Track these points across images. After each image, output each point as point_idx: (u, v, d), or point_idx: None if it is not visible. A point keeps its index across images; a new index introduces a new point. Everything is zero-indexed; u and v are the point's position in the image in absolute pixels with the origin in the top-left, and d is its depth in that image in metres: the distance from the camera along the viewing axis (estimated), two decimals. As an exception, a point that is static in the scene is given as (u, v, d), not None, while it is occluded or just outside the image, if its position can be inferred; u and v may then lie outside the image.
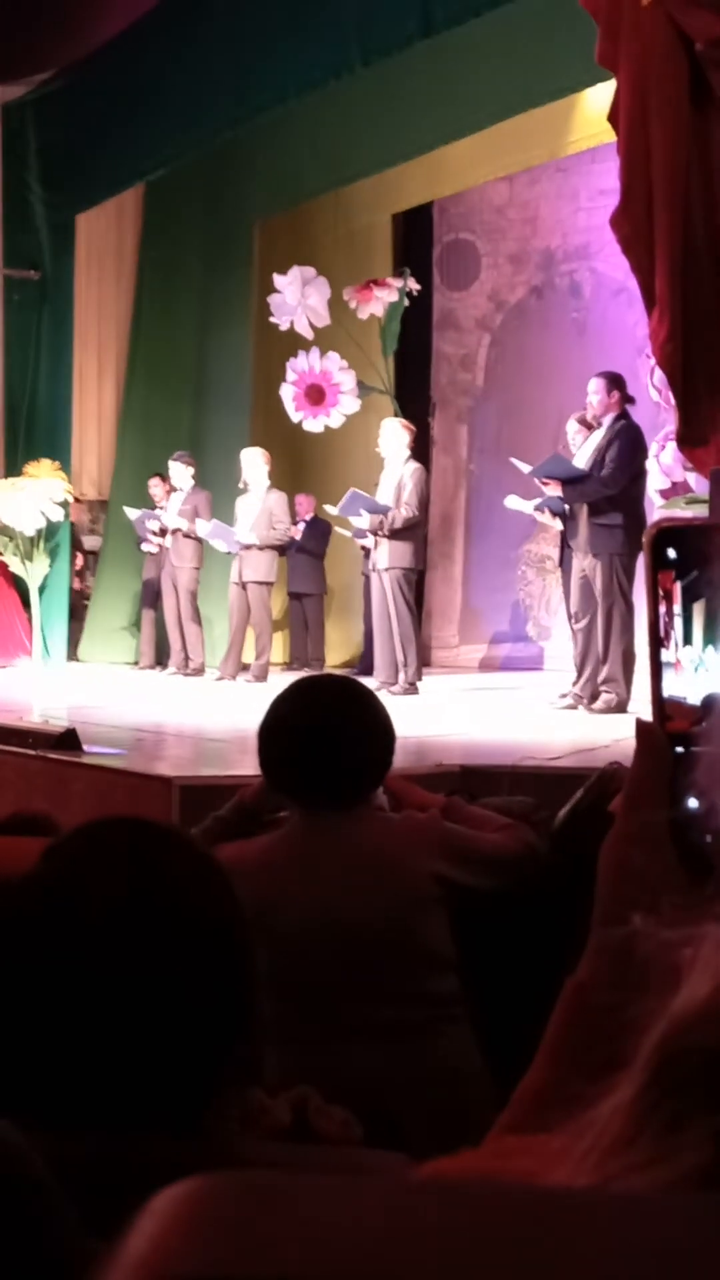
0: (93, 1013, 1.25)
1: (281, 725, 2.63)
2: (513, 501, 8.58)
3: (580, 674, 7.68)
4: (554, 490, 7.71)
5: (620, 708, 7.22)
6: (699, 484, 7.01)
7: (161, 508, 11.18)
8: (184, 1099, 1.26)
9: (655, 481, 7.82)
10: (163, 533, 10.95)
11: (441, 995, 2.55)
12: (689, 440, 5.74)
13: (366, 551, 10.05)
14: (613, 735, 5.55)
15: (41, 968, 1.27)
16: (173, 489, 11.09)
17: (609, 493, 7.48)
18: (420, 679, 8.93)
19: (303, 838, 2.59)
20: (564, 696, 7.75)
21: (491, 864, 2.66)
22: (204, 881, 1.35)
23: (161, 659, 11.41)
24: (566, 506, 7.71)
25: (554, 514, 8.13)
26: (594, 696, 7.50)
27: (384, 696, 8.35)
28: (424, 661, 9.87)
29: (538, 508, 8.25)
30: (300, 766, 2.60)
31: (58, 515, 11.12)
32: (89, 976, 1.26)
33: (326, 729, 2.59)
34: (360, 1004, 2.46)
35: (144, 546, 11.42)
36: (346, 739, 2.58)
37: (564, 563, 7.84)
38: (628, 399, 7.80)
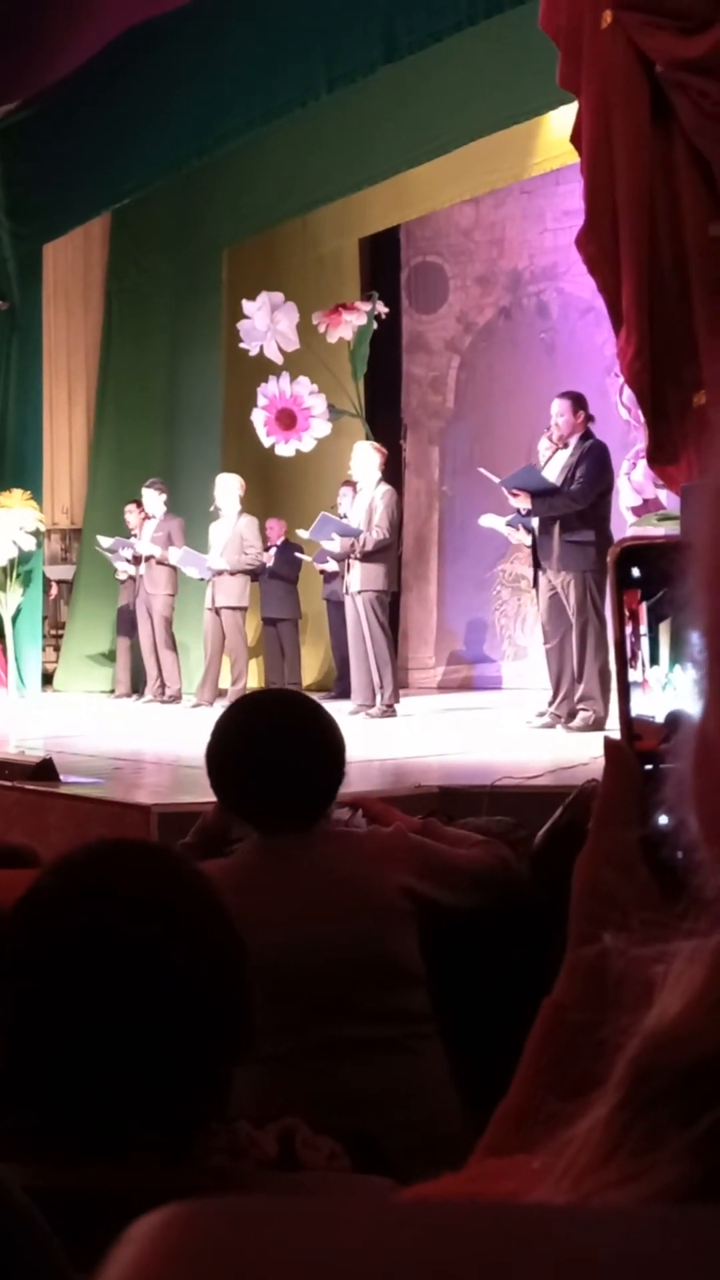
0: (86, 1041, 1.24)
1: (225, 746, 2.54)
2: (487, 520, 8.60)
3: (556, 693, 7.68)
4: (523, 502, 7.72)
5: (598, 725, 7.23)
6: (670, 500, 7.04)
7: (136, 535, 11.18)
8: (177, 1126, 1.25)
9: (627, 499, 7.85)
10: (137, 560, 10.95)
11: (412, 1012, 2.49)
12: (659, 458, 5.75)
13: (327, 576, 10.07)
14: (591, 753, 5.43)
15: (33, 995, 1.26)
16: (147, 516, 11.10)
17: (577, 507, 7.50)
18: (398, 701, 8.93)
19: (260, 859, 2.52)
20: (541, 715, 7.75)
21: (463, 879, 2.61)
22: (196, 903, 1.35)
23: (138, 687, 11.40)
24: (536, 522, 7.71)
25: (526, 530, 8.15)
26: (571, 715, 7.51)
27: (362, 719, 8.43)
28: (401, 683, 9.86)
29: (510, 524, 8.27)
30: (248, 789, 2.53)
31: (30, 544, 11.11)
32: (84, 1003, 1.25)
33: (271, 749, 2.50)
34: (330, 1022, 2.40)
35: (117, 574, 11.42)
36: (292, 758, 2.49)
37: (538, 582, 7.85)
38: (589, 417, 7.83)
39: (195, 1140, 1.28)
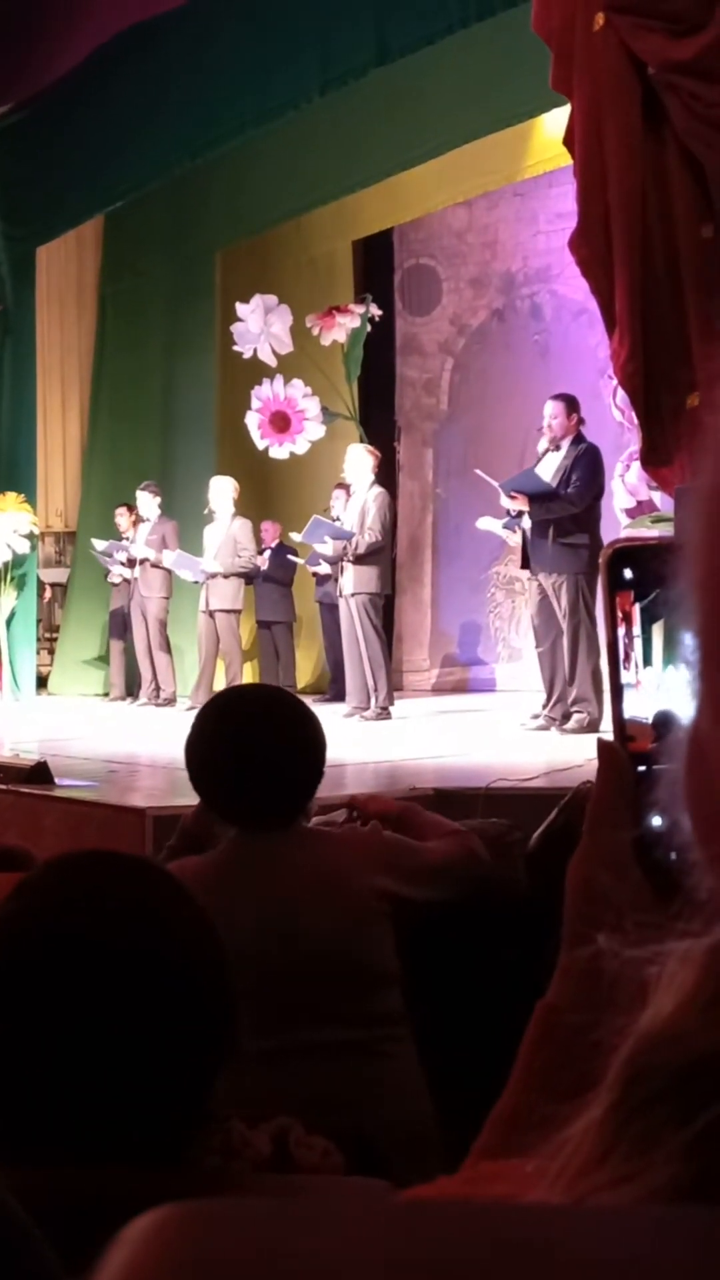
0: (70, 1046, 1.23)
1: (204, 742, 2.52)
2: (484, 522, 8.60)
3: (550, 695, 7.69)
4: (520, 505, 7.73)
5: (593, 727, 7.22)
6: (664, 502, 7.05)
7: (128, 538, 11.17)
8: (165, 1131, 1.25)
9: (621, 501, 7.86)
10: (131, 563, 10.94)
11: (385, 1014, 2.48)
12: (653, 460, 5.75)
13: (320, 579, 10.06)
14: (585, 755, 5.44)
15: (16, 1002, 1.26)
16: (140, 519, 11.08)
17: (574, 510, 7.50)
18: (392, 703, 8.92)
19: (237, 857, 2.50)
20: (536, 718, 7.75)
21: (433, 874, 2.59)
22: (179, 912, 1.34)
23: (132, 690, 11.38)
24: (527, 526, 7.71)
25: (520, 531, 8.14)
26: (565, 717, 7.51)
27: (357, 722, 8.43)
28: (396, 686, 9.85)
29: (507, 526, 8.27)
30: (224, 785, 2.51)
31: (24, 548, 11.09)
32: (66, 1010, 1.24)
33: (248, 745, 2.47)
34: (302, 1024, 2.39)
35: (111, 578, 11.41)
36: (270, 754, 2.46)
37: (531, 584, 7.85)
38: (582, 420, 7.84)
39: (187, 1142, 1.27)
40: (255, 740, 2.47)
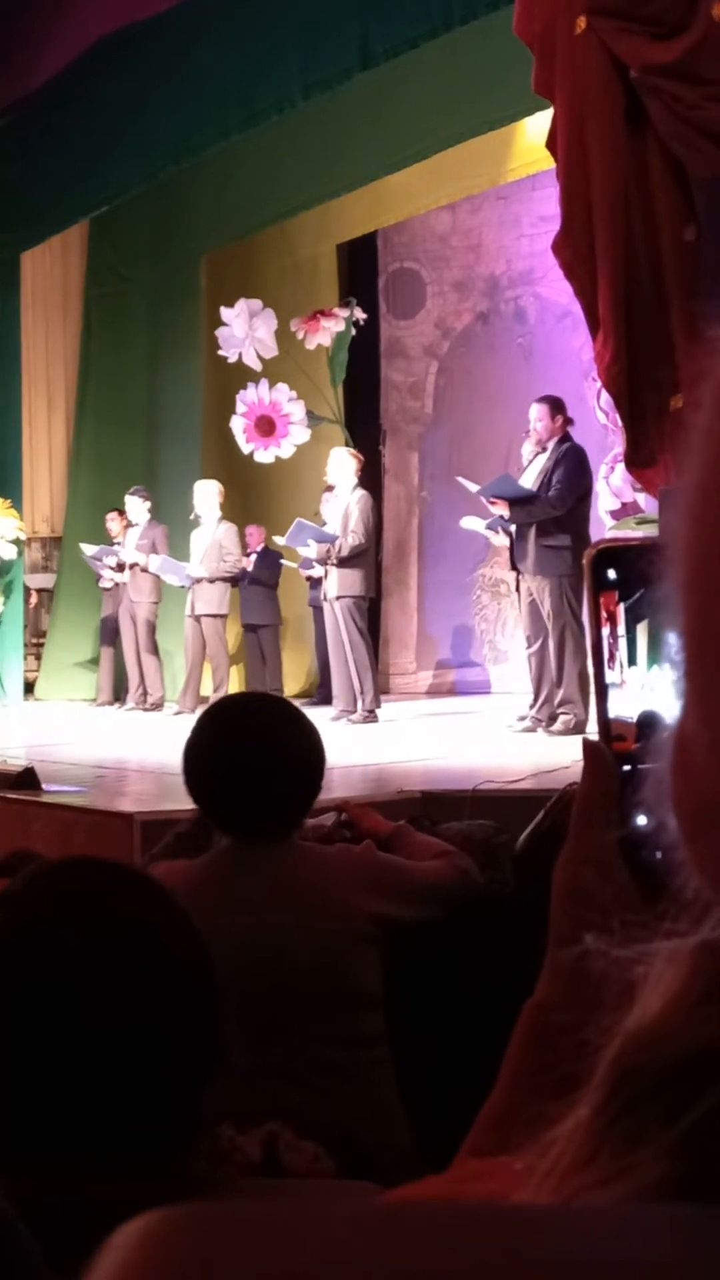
0: (55, 1056, 1.23)
1: (200, 749, 2.49)
2: (468, 521, 8.60)
3: (537, 697, 7.68)
4: (501, 510, 7.73)
5: (579, 728, 7.24)
6: (649, 504, 7.05)
7: (119, 543, 11.17)
8: (154, 1138, 1.25)
9: (605, 503, 7.86)
10: (120, 568, 10.93)
11: (366, 1036, 2.45)
12: (637, 462, 5.74)
13: (313, 582, 10.05)
14: (572, 756, 5.31)
15: (6, 1009, 1.26)
16: (130, 524, 11.08)
17: (556, 513, 7.50)
18: (379, 706, 8.92)
19: (229, 866, 2.48)
20: (522, 719, 7.75)
21: (423, 894, 2.56)
22: (164, 920, 1.34)
23: (120, 695, 11.37)
24: (514, 527, 7.72)
25: (506, 533, 8.15)
26: (552, 719, 7.51)
27: (343, 725, 8.43)
28: (382, 689, 9.85)
29: (490, 526, 8.27)
30: (219, 794, 2.48)
31: (10, 553, 11.07)
32: (48, 1021, 1.24)
33: (244, 755, 2.45)
34: (281, 1041, 2.36)
35: (102, 583, 11.40)
36: (265, 765, 2.43)
37: (519, 586, 7.85)
38: (569, 421, 7.84)
39: (176, 1149, 1.27)
40: (250, 753, 2.44)
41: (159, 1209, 0.40)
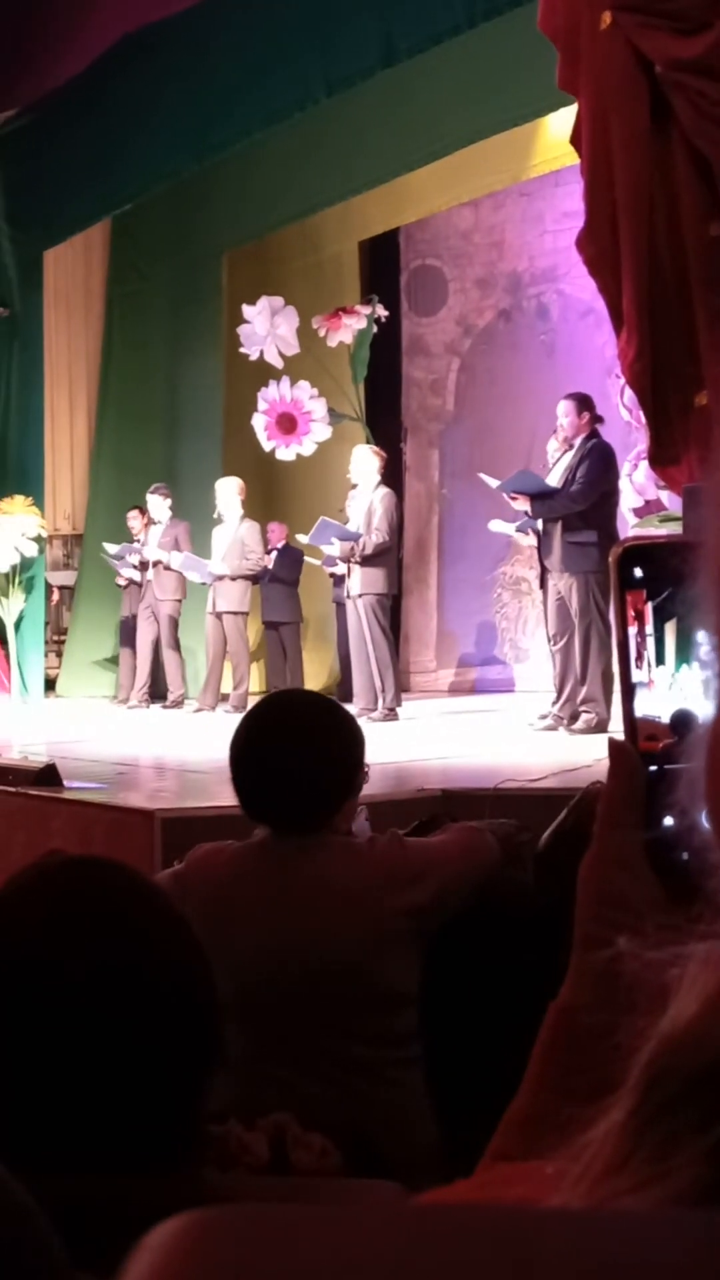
0: (57, 1055, 1.23)
1: (239, 744, 2.54)
2: (496, 525, 8.58)
3: (560, 695, 7.66)
4: (522, 505, 7.71)
5: (601, 727, 7.19)
6: (672, 501, 7.01)
7: (140, 541, 11.17)
8: (152, 1140, 1.24)
9: (629, 500, 7.82)
10: (143, 566, 10.94)
11: (396, 1034, 2.46)
12: (661, 459, 5.71)
13: (336, 579, 10.04)
14: (594, 755, 5.47)
15: (5, 1009, 1.26)
16: (151, 522, 11.08)
17: (577, 508, 7.48)
18: (399, 704, 8.91)
19: (261, 858, 2.51)
20: (544, 718, 7.72)
21: (452, 875, 2.57)
22: (156, 922, 1.34)
23: (141, 693, 11.38)
24: (540, 524, 7.70)
25: (535, 534, 8.12)
26: (574, 717, 7.48)
27: (363, 723, 8.38)
28: (402, 687, 9.84)
29: (520, 528, 8.25)
30: (248, 789, 2.53)
31: (32, 551, 11.09)
32: (38, 1023, 1.24)
33: (272, 754, 2.50)
34: (312, 1037, 2.38)
35: (119, 580, 11.40)
36: (293, 765, 2.47)
37: (544, 584, 7.83)
38: (597, 419, 7.81)
39: (180, 1150, 1.26)
40: (282, 745, 2.49)
41: (194, 1211, 0.40)
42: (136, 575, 11.09)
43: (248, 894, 2.45)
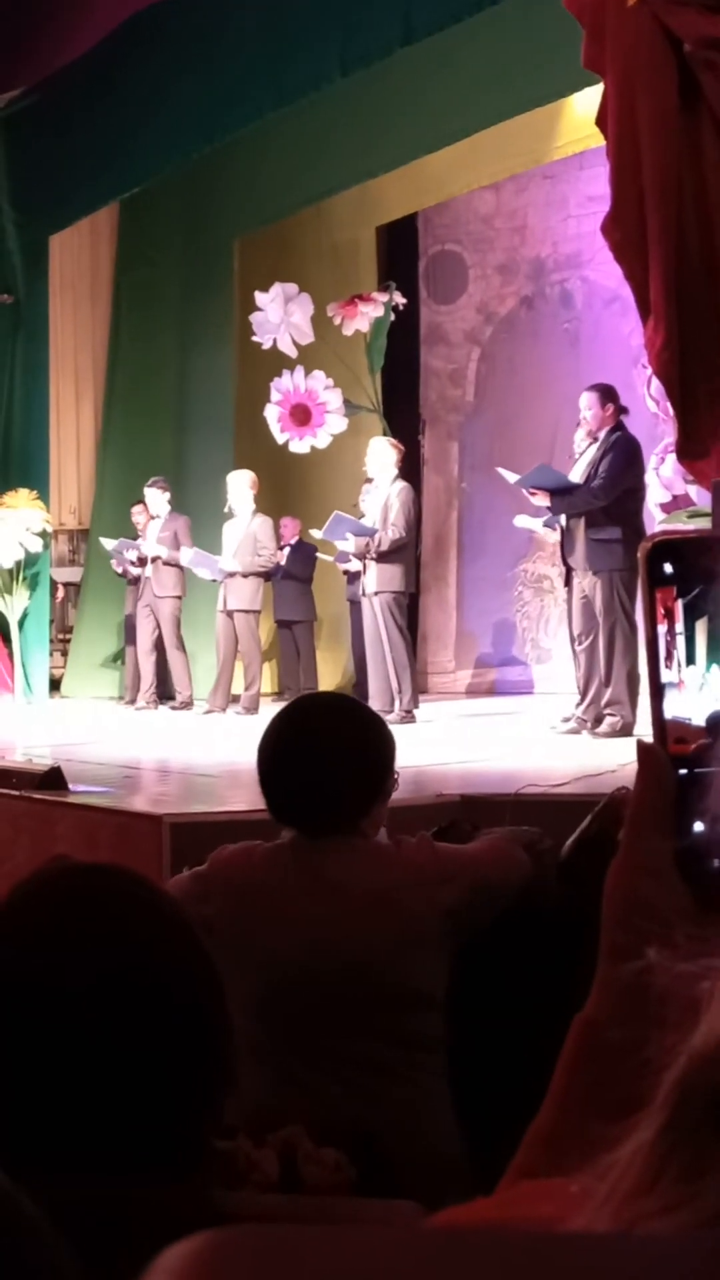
0: (60, 1064, 1.22)
1: (265, 746, 2.61)
2: (522, 520, 8.52)
3: (584, 697, 7.56)
4: (542, 500, 7.61)
5: (626, 731, 7.12)
6: (700, 496, 6.96)
7: (143, 536, 11.01)
8: (157, 1147, 1.23)
9: (656, 495, 7.75)
10: (142, 562, 10.77)
11: (421, 1037, 2.50)
12: (689, 453, 5.68)
13: (350, 576, 9.93)
14: (619, 760, 5.46)
15: (9, 1017, 1.25)
16: (153, 516, 10.92)
17: (599, 504, 7.39)
18: (417, 706, 8.83)
19: (294, 859, 2.56)
20: (567, 720, 7.64)
21: (485, 877, 2.62)
22: (166, 926, 1.32)
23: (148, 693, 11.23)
24: (564, 520, 7.58)
25: (560, 530, 8.01)
26: (598, 720, 7.39)
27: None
28: (420, 688, 9.83)
29: (547, 524, 8.14)
30: (273, 791, 2.59)
31: (36, 546, 11.00)
32: (56, 1027, 1.23)
33: (300, 752, 2.57)
34: (337, 1037, 2.43)
35: (119, 569, 11.27)
36: (321, 764, 2.53)
37: (569, 582, 7.72)
38: (622, 410, 7.68)
39: (182, 1162, 1.24)
40: (309, 751, 2.56)
41: (208, 1232, 0.41)
42: (136, 571, 10.92)
43: (275, 894, 2.51)
